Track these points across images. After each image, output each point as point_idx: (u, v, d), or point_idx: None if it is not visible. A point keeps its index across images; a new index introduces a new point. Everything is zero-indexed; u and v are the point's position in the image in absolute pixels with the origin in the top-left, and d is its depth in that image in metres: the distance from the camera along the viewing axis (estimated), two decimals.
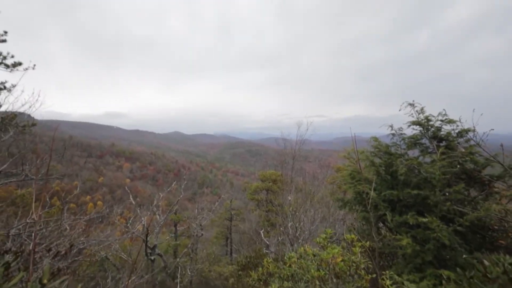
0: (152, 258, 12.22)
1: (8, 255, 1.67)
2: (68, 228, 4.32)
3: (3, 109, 5.87)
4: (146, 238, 11.90)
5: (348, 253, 2.89)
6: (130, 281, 5.59)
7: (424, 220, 3.52)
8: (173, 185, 15.98)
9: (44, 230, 4.30)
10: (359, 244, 3.20)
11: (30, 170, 4.53)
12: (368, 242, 3.43)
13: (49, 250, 2.29)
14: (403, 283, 2.92)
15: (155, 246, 12.35)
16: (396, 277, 2.90)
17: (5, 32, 6.40)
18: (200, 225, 15.36)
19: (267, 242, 10.66)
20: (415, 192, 3.87)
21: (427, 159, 4.11)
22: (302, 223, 8.19)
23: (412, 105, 4.15)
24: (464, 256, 3.37)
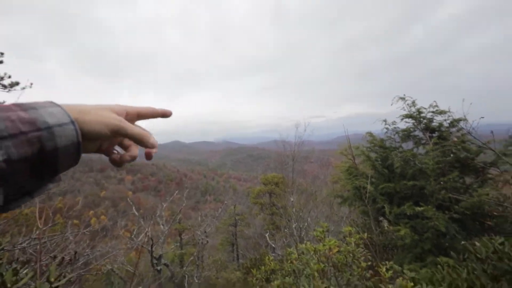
0: (159, 268, 12.20)
1: (15, 264, 1.76)
2: (72, 239, 4.39)
3: None
4: (152, 248, 11.91)
5: (344, 244, 2.95)
6: None
7: (420, 209, 3.58)
8: (175, 194, 16.01)
9: (48, 244, 4.36)
10: (357, 236, 3.26)
11: None
12: (366, 234, 3.49)
13: (55, 257, 2.37)
14: (403, 272, 2.98)
15: (160, 256, 12.34)
16: (396, 266, 2.95)
17: (2, 54, 6.55)
18: (205, 232, 15.34)
19: (273, 245, 10.65)
20: (411, 183, 3.95)
21: (421, 150, 4.19)
22: (306, 224, 8.22)
23: (403, 99, 4.24)
24: (462, 242, 3.43)
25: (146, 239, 12.46)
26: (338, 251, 2.64)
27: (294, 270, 3.31)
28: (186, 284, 12.21)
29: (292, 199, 9.61)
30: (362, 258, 2.94)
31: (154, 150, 0.47)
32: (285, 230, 9.70)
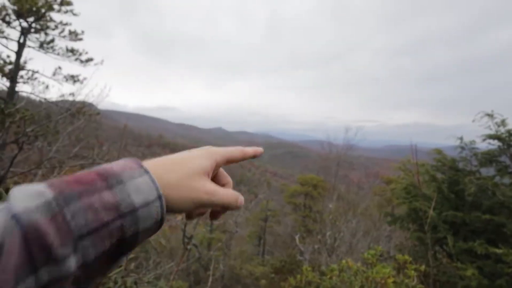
0: (188, 247, 12.79)
1: None
2: None
3: (77, 99, 6.66)
4: (185, 227, 12.53)
5: (402, 276, 2.59)
6: (169, 266, 5.90)
7: (498, 251, 3.00)
8: None
9: None
10: (413, 267, 2.85)
11: (97, 155, 5.07)
12: (423, 267, 3.06)
13: None
14: None
15: (191, 236, 12.91)
16: None
17: (82, 32, 7.27)
18: (236, 222, 15.61)
19: (302, 249, 10.34)
20: (487, 217, 3.34)
21: (506, 180, 3.52)
22: (342, 234, 7.75)
23: (490, 115, 3.58)
24: None
25: (181, 217, 13.14)
26: (394, 282, 2.31)
27: (333, 287, 3.05)
28: (211, 268, 12.57)
29: (330, 205, 9.12)
30: None
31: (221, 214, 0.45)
32: (318, 236, 9.31)
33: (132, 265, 2.05)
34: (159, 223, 0.32)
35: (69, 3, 6.56)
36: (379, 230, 8.05)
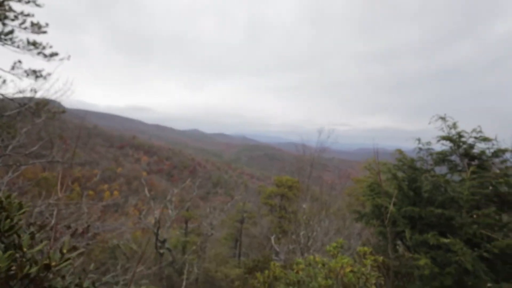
0: (161, 251, 12.44)
1: (33, 227, 1.77)
2: (86, 211, 4.50)
3: (38, 95, 6.23)
4: (157, 231, 12.15)
5: (359, 265, 2.75)
6: (137, 270, 5.69)
7: (446, 241, 3.28)
8: (187, 181, 16.25)
9: (64, 211, 4.48)
10: (372, 257, 3.04)
11: (57, 154, 4.77)
12: (382, 257, 3.25)
13: (69, 227, 2.41)
14: None
15: (165, 240, 12.56)
16: None
17: (47, 24, 6.84)
18: (211, 224, 15.41)
19: (277, 249, 10.46)
20: (439, 211, 3.64)
21: (456, 177, 3.86)
22: (315, 233, 7.97)
23: (443, 119, 3.92)
24: (489, 285, 3.11)
25: (153, 221, 12.73)
26: (351, 271, 2.45)
27: (298, 281, 3.15)
28: (185, 272, 12.30)
29: (304, 206, 9.35)
30: (374, 282, 2.73)
31: None
32: (292, 236, 9.49)
33: (92, 266, 1.98)
34: None
35: None
36: (349, 228, 8.38)
